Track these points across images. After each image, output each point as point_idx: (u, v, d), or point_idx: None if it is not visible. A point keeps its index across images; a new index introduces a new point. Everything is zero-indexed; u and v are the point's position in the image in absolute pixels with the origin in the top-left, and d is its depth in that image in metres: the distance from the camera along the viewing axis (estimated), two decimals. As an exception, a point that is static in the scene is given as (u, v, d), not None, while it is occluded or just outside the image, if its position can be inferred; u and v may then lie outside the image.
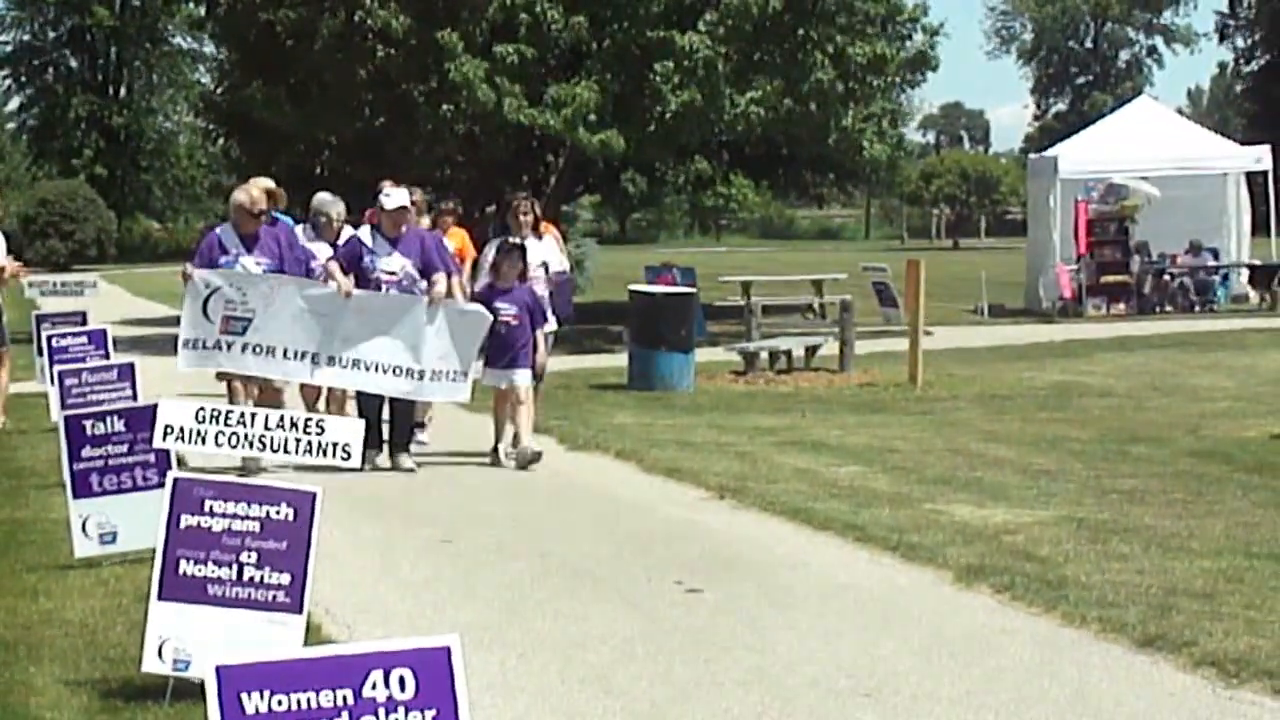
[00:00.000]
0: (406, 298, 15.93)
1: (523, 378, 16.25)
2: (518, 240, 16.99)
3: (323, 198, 18.09)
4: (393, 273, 16.05)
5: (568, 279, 17.82)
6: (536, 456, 15.98)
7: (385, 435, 16.23)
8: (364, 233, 16.50)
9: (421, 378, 15.77)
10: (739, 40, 32.75)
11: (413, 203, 16.83)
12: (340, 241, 16.99)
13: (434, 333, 15.70)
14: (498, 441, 16.39)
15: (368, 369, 15.76)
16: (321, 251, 16.88)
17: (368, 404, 16.15)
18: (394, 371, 15.75)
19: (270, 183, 17.50)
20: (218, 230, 16.44)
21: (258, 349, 15.62)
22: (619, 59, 33.13)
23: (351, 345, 15.71)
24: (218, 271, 15.74)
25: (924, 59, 36.95)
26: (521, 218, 17.66)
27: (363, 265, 16.08)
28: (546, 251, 17.68)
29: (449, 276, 16.50)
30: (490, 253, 17.03)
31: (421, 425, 17.41)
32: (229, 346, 15.58)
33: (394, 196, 16.26)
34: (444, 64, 31.93)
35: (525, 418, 16.18)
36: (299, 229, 17.69)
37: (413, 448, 16.51)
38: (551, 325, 17.45)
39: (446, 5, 32.75)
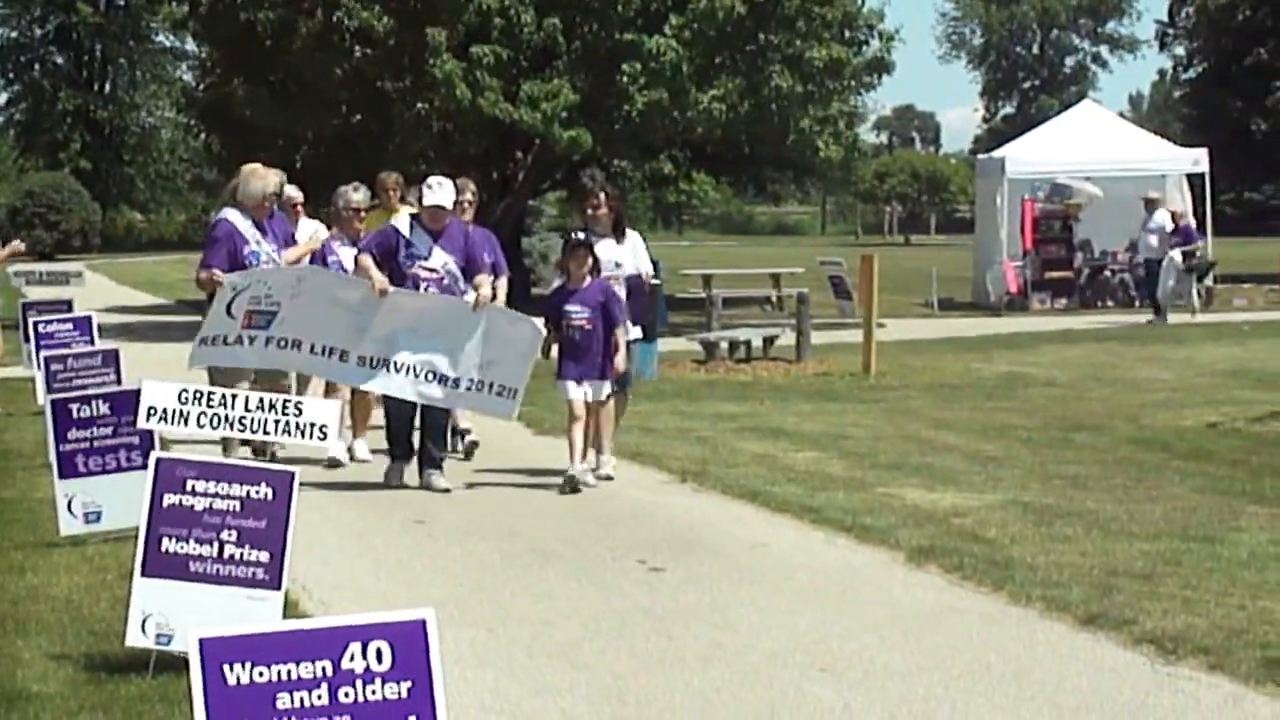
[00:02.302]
0: (448, 299, 13.87)
1: (599, 389, 14.14)
2: (582, 236, 14.43)
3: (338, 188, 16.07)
4: (433, 270, 13.92)
5: (639, 283, 14.89)
6: (576, 482, 13.82)
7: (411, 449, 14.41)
8: (402, 222, 14.25)
9: (456, 385, 13.69)
10: (703, 43, 32.80)
11: (465, 201, 14.97)
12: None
13: (477, 339, 13.62)
14: (573, 462, 13.92)
15: (398, 371, 13.67)
16: (346, 255, 15.10)
17: (397, 413, 14.30)
18: (427, 377, 13.68)
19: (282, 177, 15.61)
20: (228, 217, 14.10)
21: (282, 342, 13.54)
22: (588, 60, 33.18)
23: (383, 346, 13.65)
24: (248, 272, 13.73)
25: (880, 64, 37.05)
26: (590, 212, 14.93)
27: (399, 260, 13.90)
28: (625, 253, 14.81)
29: (497, 274, 14.77)
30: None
31: (464, 432, 15.68)
32: (251, 341, 13.46)
33: (435, 192, 13.87)
34: (421, 62, 31.96)
35: (605, 427, 14.34)
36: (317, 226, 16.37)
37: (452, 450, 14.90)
38: (634, 333, 14.86)
39: (426, 6, 32.74)
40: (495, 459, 15.37)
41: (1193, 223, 36.02)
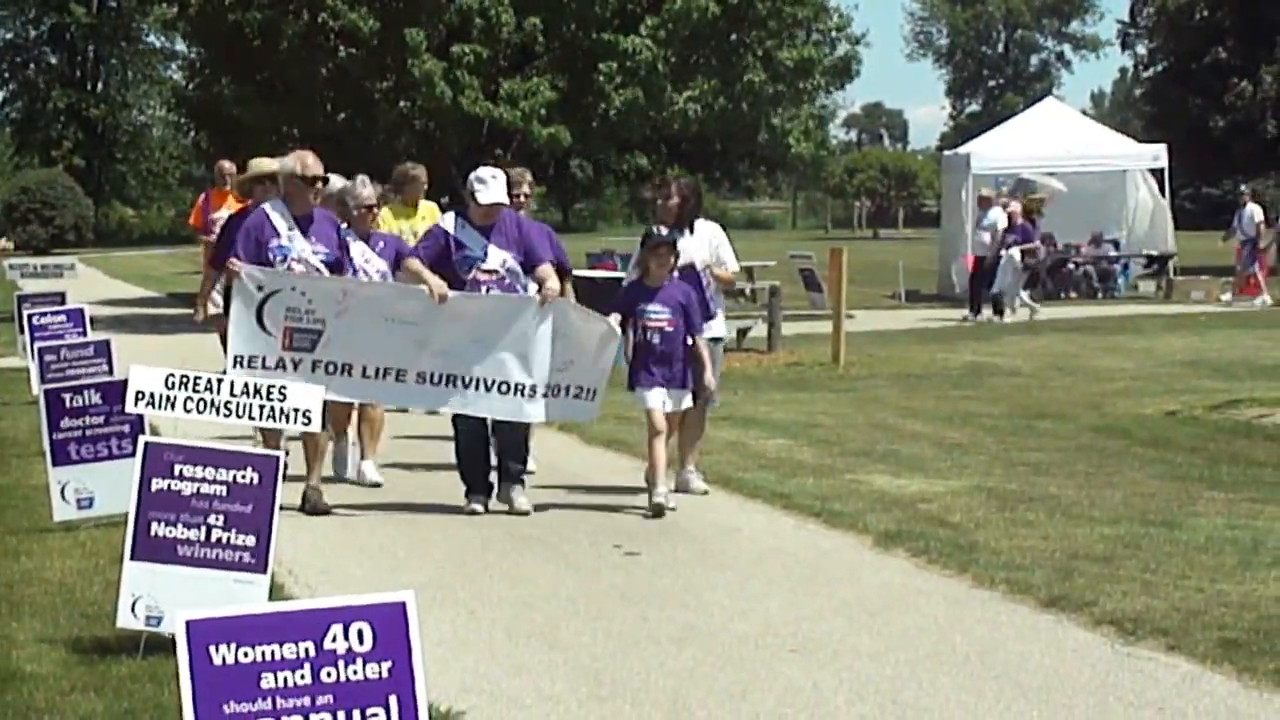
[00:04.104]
0: (514, 298, 12.25)
1: (680, 399, 12.54)
2: (665, 231, 12.73)
3: (343, 181, 14.04)
4: (492, 270, 12.28)
5: (694, 275, 12.89)
6: (660, 510, 12.16)
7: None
8: (449, 222, 12.58)
9: (534, 394, 12.12)
10: (678, 43, 32.82)
11: (523, 194, 13.37)
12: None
13: (549, 340, 12.07)
14: (656, 485, 12.33)
15: (468, 387, 12.07)
16: (357, 250, 13.29)
17: (469, 435, 12.50)
18: (500, 389, 12.08)
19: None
20: (265, 208, 12.44)
21: (330, 367, 11.90)
22: (566, 59, 33.20)
23: (446, 360, 12.06)
24: (274, 272, 11.98)
25: (848, 67, 37.11)
26: (659, 203, 13.21)
27: (452, 263, 12.26)
28: (697, 248, 12.99)
29: (563, 274, 12.98)
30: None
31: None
32: (295, 365, 11.76)
33: (491, 188, 12.24)
34: (404, 62, 31.96)
35: (660, 449, 12.39)
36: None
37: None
38: (719, 330, 13.34)
39: (407, 6, 32.73)
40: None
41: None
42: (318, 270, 12.22)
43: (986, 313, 32.16)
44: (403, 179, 16.34)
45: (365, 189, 13.76)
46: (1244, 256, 36.57)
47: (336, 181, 13.97)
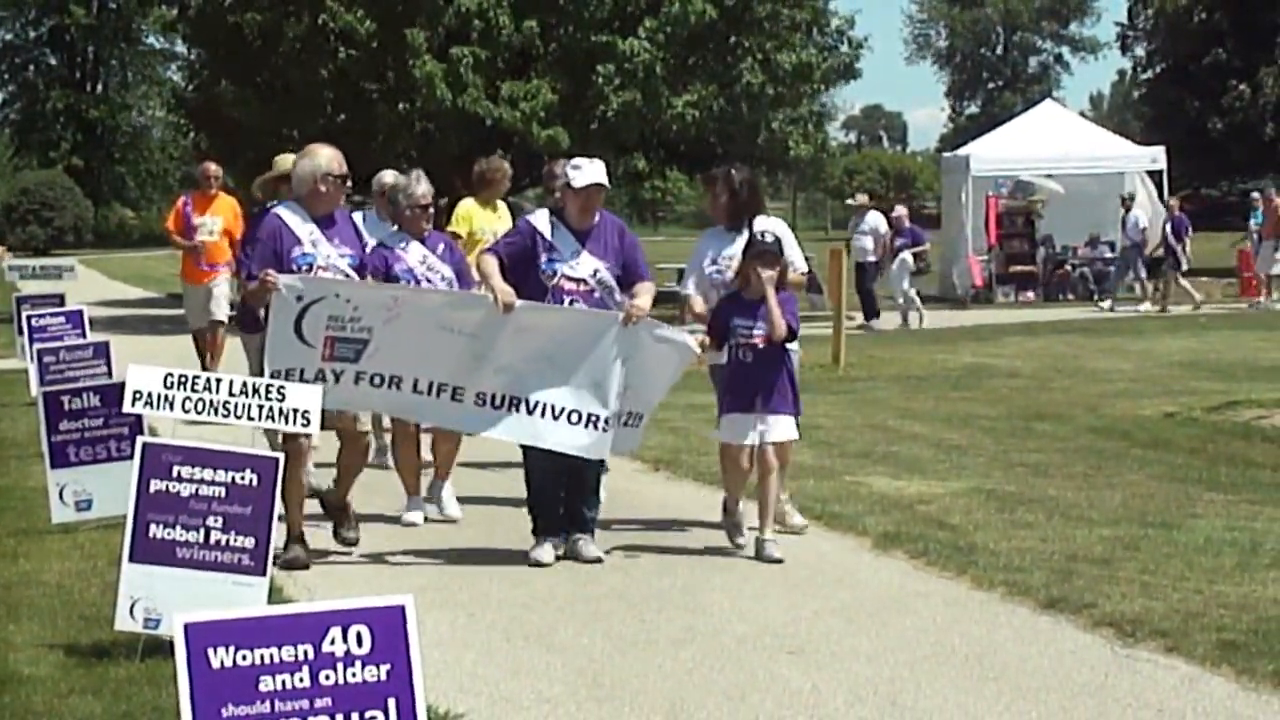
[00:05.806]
0: (591, 313, 10.68)
1: (781, 428, 11.09)
2: (769, 239, 11.06)
3: (390, 177, 12.99)
4: (581, 280, 10.73)
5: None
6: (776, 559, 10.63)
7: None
8: (541, 219, 10.91)
9: (607, 426, 10.58)
10: (676, 46, 32.86)
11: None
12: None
13: (625, 362, 10.59)
14: (734, 515, 11.14)
15: (531, 412, 10.52)
16: (415, 255, 11.76)
17: (544, 468, 10.89)
18: (570, 418, 10.54)
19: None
20: (278, 212, 10.83)
21: (376, 379, 10.42)
22: (565, 62, 33.23)
23: (512, 378, 10.52)
24: (316, 279, 10.44)
25: (849, 69, 37.13)
26: (715, 201, 11.62)
27: (538, 266, 10.69)
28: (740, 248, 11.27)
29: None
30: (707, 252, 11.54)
31: None
32: (337, 376, 10.25)
33: (585, 171, 10.75)
34: (404, 63, 31.99)
35: (774, 488, 10.98)
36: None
37: None
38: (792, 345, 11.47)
39: (406, 8, 32.75)
40: (476, 453, 15.35)
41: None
42: (345, 275, 10.72)
43: (897, 318, 31.55)
44: (483, 177, 14.98)
45: (421, 185, 12.02)
46: (1135, 262, 36.00)
47: (388, 177, 13.34)
